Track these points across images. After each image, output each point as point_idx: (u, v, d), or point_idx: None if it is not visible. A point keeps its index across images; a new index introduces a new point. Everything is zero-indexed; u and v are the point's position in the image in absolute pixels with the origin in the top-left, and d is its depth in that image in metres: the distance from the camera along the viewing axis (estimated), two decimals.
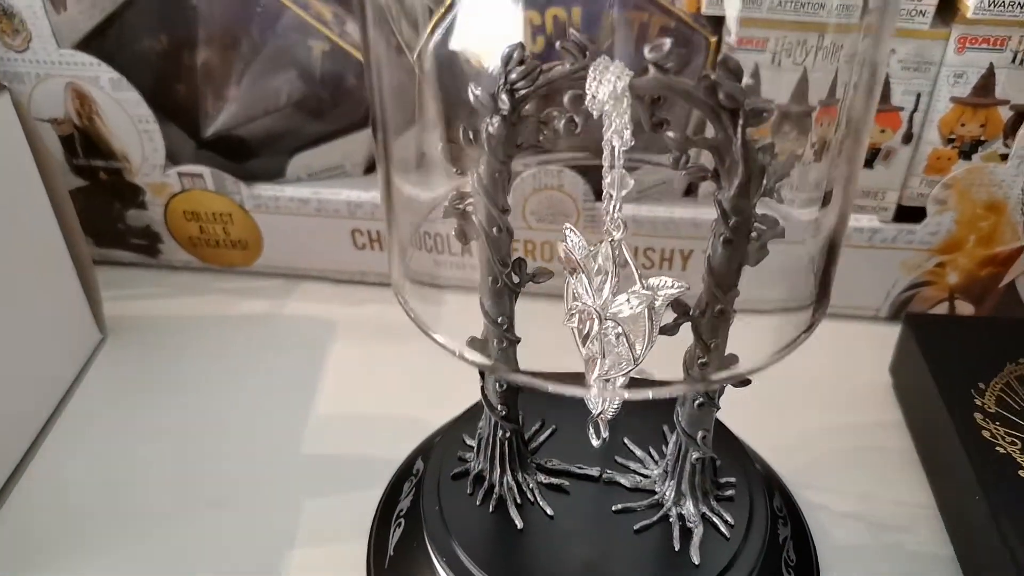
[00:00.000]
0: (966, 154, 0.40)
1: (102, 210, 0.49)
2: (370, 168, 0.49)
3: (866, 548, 0.33)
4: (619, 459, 0.32)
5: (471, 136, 0.24)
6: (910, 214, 0.42)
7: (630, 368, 0.25)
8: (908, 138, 0.42)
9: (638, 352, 0.24)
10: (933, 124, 0.40)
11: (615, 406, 0.28)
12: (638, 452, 0.32)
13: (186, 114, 0.47)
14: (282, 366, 0.44)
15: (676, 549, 0.29)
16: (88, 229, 0.45)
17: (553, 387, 0.25)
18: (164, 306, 0.48)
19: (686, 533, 0.29)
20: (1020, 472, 0.29)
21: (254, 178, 0.47)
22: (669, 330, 0.25)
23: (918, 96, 0.40)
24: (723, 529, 0.29)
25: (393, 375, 0.43)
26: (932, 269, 0.42)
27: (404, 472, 0.36)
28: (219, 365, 0.44)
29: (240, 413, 0.41)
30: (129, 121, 0.45)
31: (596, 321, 0.24)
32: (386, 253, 0.46)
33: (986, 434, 0.31)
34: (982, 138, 0.40)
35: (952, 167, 0.40)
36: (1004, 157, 0.39)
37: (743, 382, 0.27)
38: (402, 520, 0.33)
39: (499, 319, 0.27)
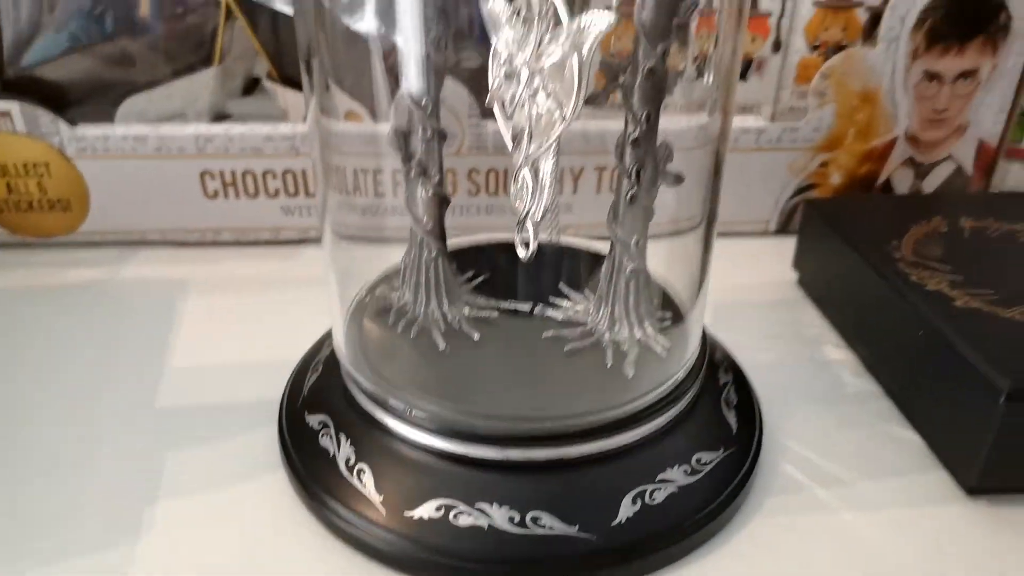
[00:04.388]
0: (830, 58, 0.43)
1: None
2: (217, 120, 0.45)
3: (803, 404, 0.32)
4: (553, 299, 0.30)
5: None
6: None
7: (560, 129, 0.23)
8: (777, 46, 0.45)
9: (567, 110, 0.23)
10: (799, 31, 0.43)
11: (545, 200, 0.26)
12: (573, 294, 0.30)
13: None
14: (126, 331, 0.37)
15: (608, 366, 0.27)
16: None
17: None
18: None
19: (619, 355, 0.28)
20: (954, 303, 0.30)
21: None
22: (596, 98, 0.24)
23: (784, 1, 0.43)
24: (659, 350, 0.28)
25: (259, 325, 0.37)
26: (816, 170, 0.44)
27: (327, 336, 0.33)
28: (46, 340, 0.36)
29: (80, 382, 0.33)
30: None
31: (524, 73, 0.23)
32: (243, 201, 0.42)
33: (913, 279, 0.32)
34: (843, 42, 0.43)
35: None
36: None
37: (677, 179, 0.26)
38: (319, 367, 0.29)
39: (423, 100, 0.25)
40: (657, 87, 0.24)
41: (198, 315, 0.38)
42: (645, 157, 0.25)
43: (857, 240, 0.35)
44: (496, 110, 0.24)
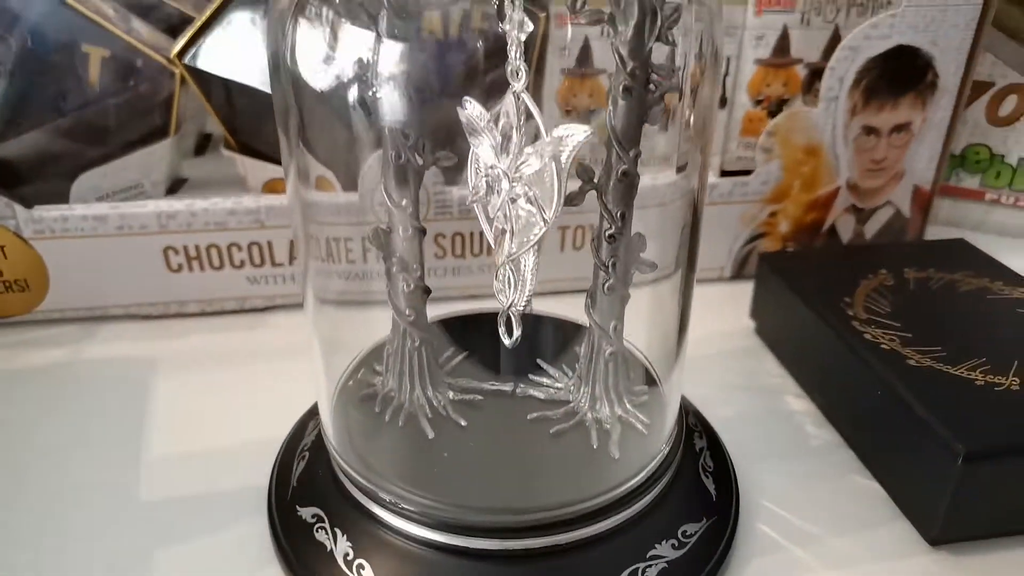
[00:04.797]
0: (773, 113, 0.45)
1: None
2: (174, 189, 0.45)
3: (772, 460, 0.34)
4: (532, 377, 0.31)
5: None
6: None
7: (541, 233, 0.24)
8: (723, 102, 0.47)
9: (548, 214, 0.24)
10: (743, 87, 0.45)
11: (527, 293, 0.27)
12: (551, 370, 0.31)
13: None
14: (97, 418, 0.36)
15: (595, 447, 0.28)
16: None
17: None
18: None
19: (603, 434, 0.29)
20: (908, 362, 0.32)
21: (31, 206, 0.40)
22: (573, 199, 0.25)
23: (728, 60, 0.45)
24: (640, 427, 0.29)
25: (234, 402, 0.37)
26: (766, 220, 0.46)
27: (309, 415, 0.33)
28: (8, 432, 0.35)
29: (52, 478, 0.32)
30: None
31: (505, 182, 0.24)
32: (208, 273, 0.42)
33: (868, 337, 0.34)
34: (785, 96, 0.45)
35: (763, 128, 0.45)
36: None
37: (651, 266, 0.28)
38: (306, 454, 0.29)
39: (403, 202, 0.26)
40: (630, 188, 0.25)
41: (171, 396, 0.37)
42: (620, 250, 0.26)
43: (811, 297, 0.37)
44: (478, 212, 0.25)
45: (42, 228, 0.39)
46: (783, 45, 0.45)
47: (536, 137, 0.24)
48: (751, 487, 0.32)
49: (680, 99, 0.27)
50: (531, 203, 0.24)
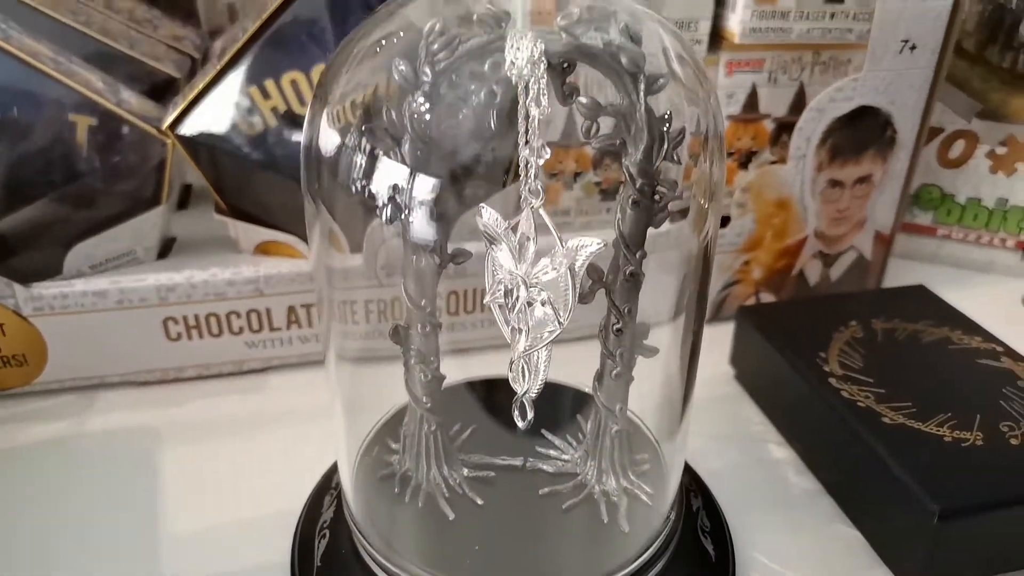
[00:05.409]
0: (744, 164, 0.48)
1: None
2: (165, 251, 0.45)
3: (760, 511, 0.36)
4: (539, 448, 0.33)
5: (392, 116, 0.25)
6: None
7: (555, 334, 0.26)
8: None
9: (563, 317, 0.26)
10: None
11: (540, 382, 0.29)
12: (557, 441, 0.33)
13: None
14: (106, 495, 0.36)
15: (605, 521, 0.30)
16: None
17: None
18: None
19: (612, 507, 0.31)
20: (883, 419, 0.34)
21: (24, 280, 0.40)
22: (585, 298, 0.27)
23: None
24: (645, 499, 0.31)
25: (244, 470, 0.38)
26: (740, 268, 0.49)
27: (323, 487, 0.34)
28: (12, 514, 0.35)
29: (66, 564, 0.33)
30: None
31: (523, 288, 0.26)
32: (207, 340, 0.42)
33: (844, 394, 0.36)
34: (754, 149, 0.48)
35: (735, 178, 0.47)
36: (773, 164, 0.48)
37: (652, 351, 0.30)
38: (326, 531, 0.31)
39: (423, 302, 0.27)
40: (636, 286, 0.27)
41: (178, 468, 0.38)
42: (625, 341, 0.28)
43: (789, 352, 0.39)
44: (496, 312, 0.27)
45: (41, 305, 0.39)
46: (752, 102, 0.47)
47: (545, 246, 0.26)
48: (744, 542, 0.34)
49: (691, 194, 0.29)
50: (545, 305, 0.26)
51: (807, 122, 0.45)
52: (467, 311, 0.45)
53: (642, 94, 0.24)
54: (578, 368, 0.31)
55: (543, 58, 0.23)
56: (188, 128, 0.42)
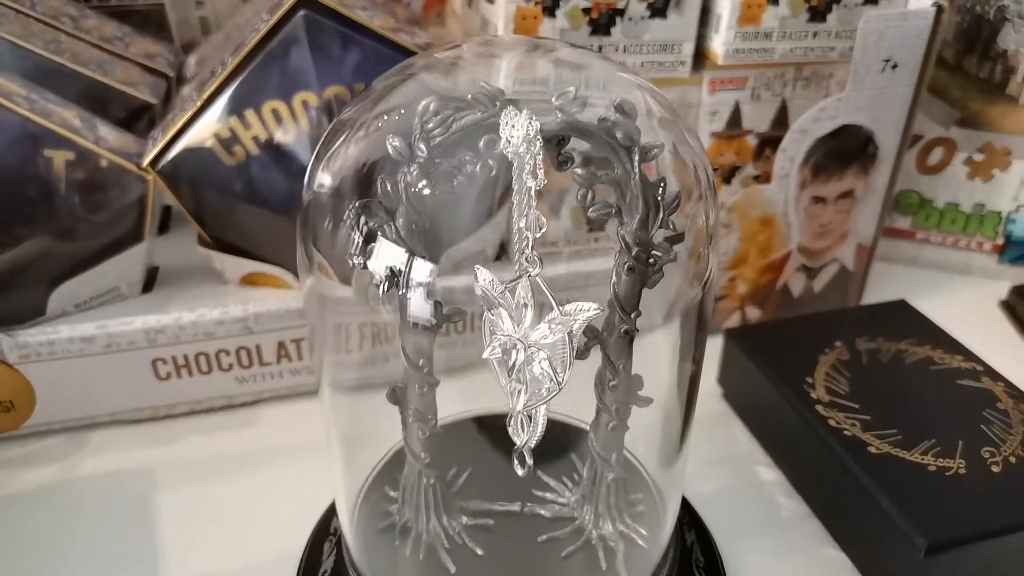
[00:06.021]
0: (727, 179, 0.48)
1: None
2: (149, 282, 0.45)
3: (751, 536, 0.37)
4: (536, 492, 0.33)
5: (387, 187, 0.24)
6: None
7: (553, 393, 0.26)
8: None
9: (561, 377, 0.26)
10: None
11: (538, 434, 0.29)
12: (552, 483, 0.34)
13: None
14: (99, 538, 0.36)
15: (604, 568, 0.31)
16: None
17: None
18: None
19: (610, 552, 0.31)
20: (869, 448, 0.35)
21: (7, 322, 0.39)
22: (581, 354, 0.27)
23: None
24: (641, 543, 0.32)
25: (242, 509, 0.38)
26: (726, 284, 0.49)
27: (321, 532, 0.34)
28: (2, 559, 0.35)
29: None
30: None
31: (522, 350, 0.26)
32: (196, 378, 0.42)
33: (832, 423, 0.37)
34: (737, 164, 0.48)
35: (719, 192, 0.47)
36: (756, 178, 0.48)
37: (646, 401, 0.30)
38: None
39: (420, 362, 0.27)
40: (630, 343, 0.28)
41: (174, 511, 0.38)
42: (621, 395, 0.29)
43: (776, 377, 0.40)
44: (495, 368, 0.27)
45: (28, 353, 0.39)
46: (735, 118, 0.47)
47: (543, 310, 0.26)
48: (735, 570, 0.35)
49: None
50: (543, 363, 0.26)
51: (791, 143, 0.45)
52: (458, 332, 0.45)
53: (636, 165, 0.24)
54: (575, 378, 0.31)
55: (538, 136, 0.23)
56: (168, 164, 0.42)
